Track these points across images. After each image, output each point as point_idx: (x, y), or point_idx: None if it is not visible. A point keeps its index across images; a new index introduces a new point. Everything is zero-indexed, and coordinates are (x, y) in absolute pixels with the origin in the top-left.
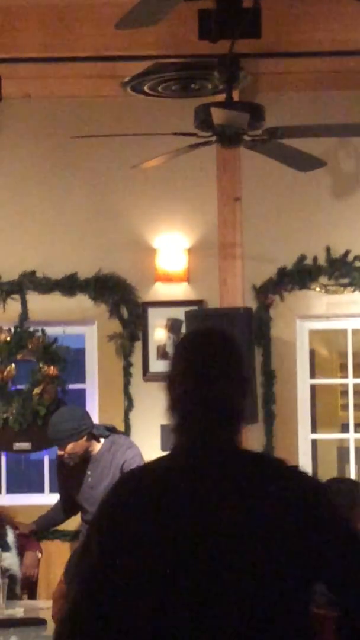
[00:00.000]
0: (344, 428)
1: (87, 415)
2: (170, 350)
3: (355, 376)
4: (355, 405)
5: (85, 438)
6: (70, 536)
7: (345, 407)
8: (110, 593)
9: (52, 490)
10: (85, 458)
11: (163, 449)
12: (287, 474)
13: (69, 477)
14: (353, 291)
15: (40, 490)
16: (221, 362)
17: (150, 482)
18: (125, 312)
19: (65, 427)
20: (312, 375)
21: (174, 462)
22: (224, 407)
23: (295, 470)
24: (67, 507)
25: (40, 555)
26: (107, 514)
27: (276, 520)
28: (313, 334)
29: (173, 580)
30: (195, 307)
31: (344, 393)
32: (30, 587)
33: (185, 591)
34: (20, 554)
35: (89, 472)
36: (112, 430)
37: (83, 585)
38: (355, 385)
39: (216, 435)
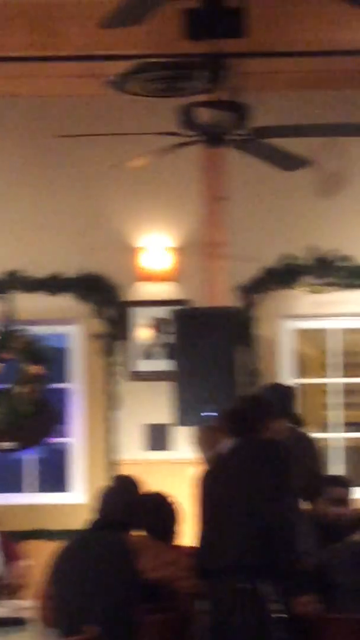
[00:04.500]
0: (329, 427)
1: None
2: (155, 349)
3: (342, 376)
4: (343, 405)
5: None
6: (54, 536)
7: (330, 406)
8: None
9: (41, 490)
10: None
11: (146, 448)
12: (269, 451)
13: None
14: (337, 291)
15: (18, 489)
16: (253, 406)
17: (226, 455)
18: (109, 312)
19: None
20: (297, 374)
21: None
22: (253, 421)
23: (274, 448)
24: None
25: (29, 562)
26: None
27: (256, 477)
28: (297, 333)
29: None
30: (180, 307)
31: (330, 392)
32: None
33: (226, 511)
34: (6, 555)
35: None
36: None
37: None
38: (342, 385)
39: (247, 433)
